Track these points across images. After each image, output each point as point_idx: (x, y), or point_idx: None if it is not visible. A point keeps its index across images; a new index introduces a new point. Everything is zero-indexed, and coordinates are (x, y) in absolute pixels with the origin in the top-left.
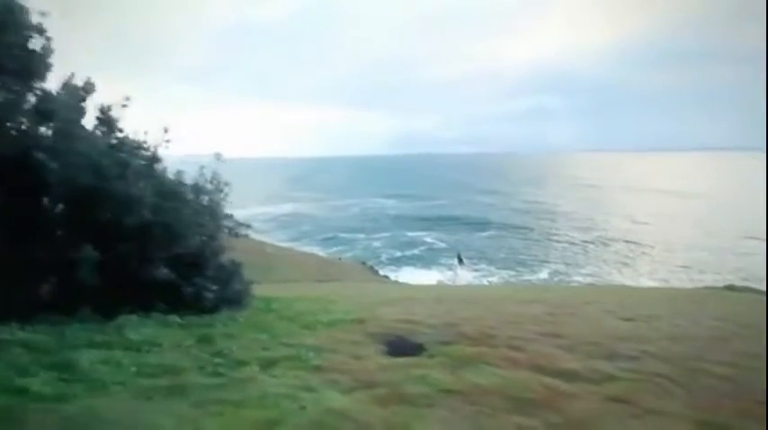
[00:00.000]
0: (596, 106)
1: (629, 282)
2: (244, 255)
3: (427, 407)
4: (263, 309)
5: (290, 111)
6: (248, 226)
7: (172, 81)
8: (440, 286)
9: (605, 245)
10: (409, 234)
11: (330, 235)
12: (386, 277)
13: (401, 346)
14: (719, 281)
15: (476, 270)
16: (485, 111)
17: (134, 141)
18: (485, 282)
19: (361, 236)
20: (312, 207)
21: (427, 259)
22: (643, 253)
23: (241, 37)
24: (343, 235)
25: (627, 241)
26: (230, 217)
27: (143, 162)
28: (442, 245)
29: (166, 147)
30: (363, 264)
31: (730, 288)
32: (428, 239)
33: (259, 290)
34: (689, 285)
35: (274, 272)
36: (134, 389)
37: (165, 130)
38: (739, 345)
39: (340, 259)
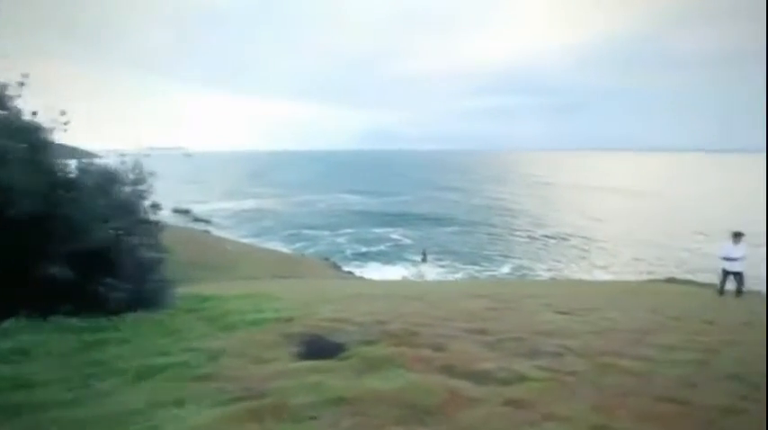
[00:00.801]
0: (560, 106)
1: (585, 276)
2: (201, 252)
3: (309, 420)
4: (187, 309)
5: (257, 103)
6: (207, 221)
7: (127, 67)
8: (398, 282)
9: (564, 240)
10: (375, 230)
11: (294, 231)
12: (351, 273)
13: (318, 348)
14: (667, 273)
15: (441, 266)
16: (451, 109)
17: (18, 122)
18: (450, 277)
19: (327, 232)
20: (276, 202)
21: (393, 255)
22: (600, 247)
23: (203, 25)
24: (307, 231)
25: (584, 237)
26: (158, 208)
27: (23, 145)
28: (408, 241)
29: (64, 130)
30: (327, 260)
31: (671, 280)
32: (394, 236)
33: (209, 288)
34: (639, 278)
35: (233, 269)
36: None
37: (62, 113)
38: (662, 338)
39: (303, 255)
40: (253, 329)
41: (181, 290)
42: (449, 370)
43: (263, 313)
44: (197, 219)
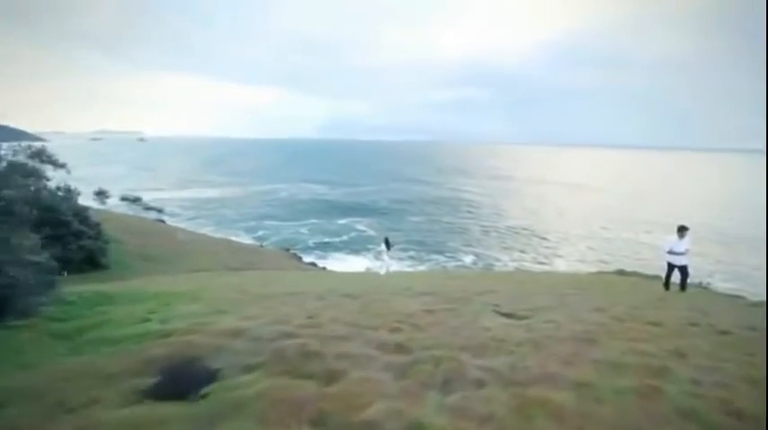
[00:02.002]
0: (522, 101)
1: (546, 266)
2: (150, 243)
3: None
4: (48, 317)
5: (216, 88)
6: (160, 210)
7: (76, 47)
8: (350, 276)
9: (525, 231)
10: (338, 221)
11: (255, 221)
12: (314, 264)
13: (176, 381)
14: (618, 264)
15: (406, 257)
16: (415, 100)
17: None
18: (413, 269)
19: (289, 222)
20: (236, 191)
21: (356, 246)
22: (559, 239)
23: (160, 5)
24: (269, 221)
25: (544, 229)
26: (105, 196)
27: None
28: (372, 232)
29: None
30: (287, 250)
31: (620, 272)
32: (357, 226)
33: (132, 285)
34: (593, 268)
35: (183, 260)
36: None
37: None
38: (606, 349)
39: (262, 246)
40: (107, 350)
41: (86, 288)
42: (321, 423)
43: (147, 324)
44: (148, 208)
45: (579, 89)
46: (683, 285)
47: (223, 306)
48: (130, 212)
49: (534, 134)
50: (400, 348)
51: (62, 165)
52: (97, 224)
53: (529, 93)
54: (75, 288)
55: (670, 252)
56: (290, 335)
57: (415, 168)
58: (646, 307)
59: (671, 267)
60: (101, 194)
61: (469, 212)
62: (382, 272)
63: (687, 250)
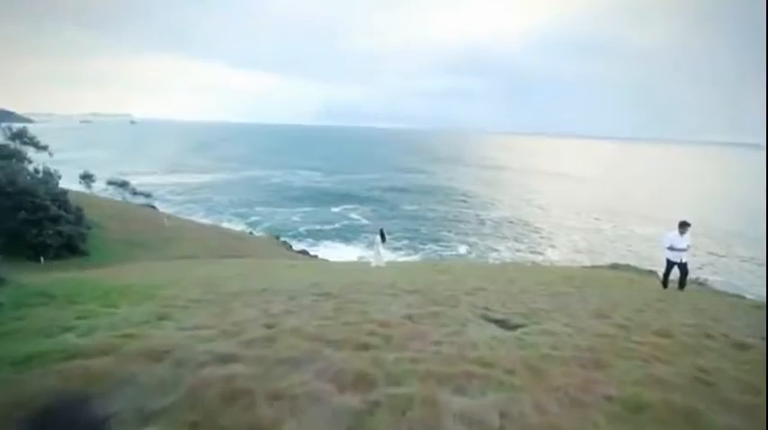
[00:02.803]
0: (517, 89)
1: (538, 256)
2: (134, 228)
3: None
4: None
5: (211, 71)
6: (148, 195)
7: (68, 26)
8: (334, 268)
9: (520, 221)
10: (332, 209)
11: (246, 208)
12: (305, 252)
13: None
14: (610, 256)
15: (400, 246)
16: (410, 88)
17: None
18: (407, 258)
19: (281, 209)
20: (230, 177)
21: (349, 234)
22: (552, 230)
23: None
24: (260, 208)
25: (537, 219)
26: (91, 180)
27: None
28: (365, 221)
29: None
30: (277, 238)
31: (615, 266)
32: (351, 215)
33: (102, 274)
34: (585, 260)
35: (168, 247)
36: None
37: None
38: (615, 379)
39: (251, 233)
40: None
41: (38, 279)
42: None
43: (64, 337)
44: (136, 193)
45: (575, 78)
46: (683, 283)
47: (171, 309)
48: (118, 197)
49: (529, 123)
50: (361, 380)
51: (44, 147)
52: (79, 209)
53: (524, 81)
54: (35, 277)
55: (671, 248)
56: (226, 359)
57: (410, 157)
58: (648, 310)
59: (670, 264)
60: (86, 178)
61: (464, 202)
62: (375, 264)
63: (688, 246)
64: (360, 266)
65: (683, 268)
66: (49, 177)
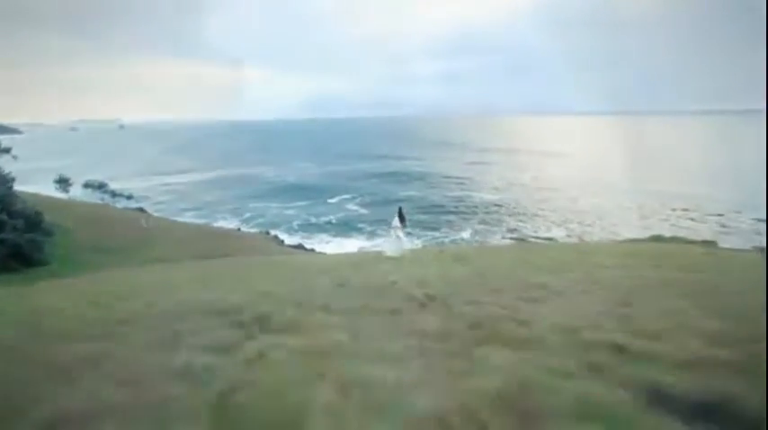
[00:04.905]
0: (509, 67)
1: (544, 233)
2: (108, 232)
3: None
4: None
5: (200, 69)
6: (129, 196)
7: (53, 31)
8: (326, 264)
9: (519, 205)
10: (329, 200)
11: (238, 204)
12: (300, 246)
13: None
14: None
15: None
16: (399, 74)
17: None
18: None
19: (275, 204)
20: (221, 174)
21: (347, 226)
22: (552, 209)
23: None
24: (254, 204)
25: (539, 199)
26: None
27: None
28: (364, 211)
29: None
30: (268, 234)
31: (657, 238)
32: (348, 205)
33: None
34: (594, 238)
35: (143, 250)
36: None
37: None
38: None
39: (240, 230)
40: None
41: None
42: None
43: None
44: (115, 195)
45: (566, 53)
46: None
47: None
48: (98, 201)
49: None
50: None
51: (6, 150)
52: (38, 214)
53: (515, 58)
54: None
55: None
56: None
57: (403, 145)
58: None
59: None
60: (62, 182)
61: (461, 187)
62: (390, 254)
63: None
64: (356, 259)
65: None
66: (2, 181)
